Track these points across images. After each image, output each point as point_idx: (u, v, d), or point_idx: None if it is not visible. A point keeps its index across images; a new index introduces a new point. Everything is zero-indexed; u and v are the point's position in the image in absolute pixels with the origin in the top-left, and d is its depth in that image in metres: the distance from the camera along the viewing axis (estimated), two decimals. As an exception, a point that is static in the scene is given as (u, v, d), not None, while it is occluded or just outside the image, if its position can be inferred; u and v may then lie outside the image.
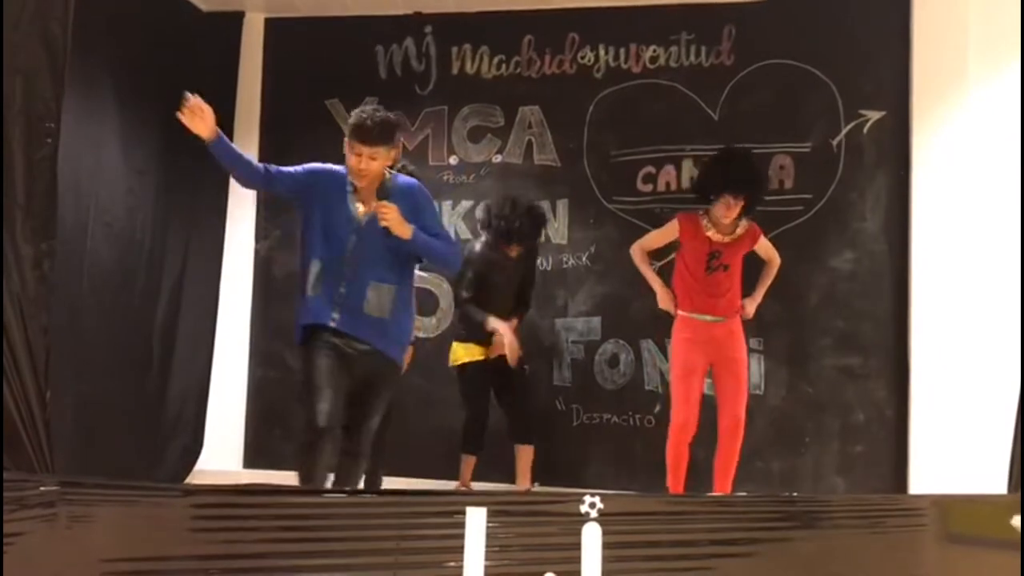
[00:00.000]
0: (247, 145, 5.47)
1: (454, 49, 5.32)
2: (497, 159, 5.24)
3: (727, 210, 4.24)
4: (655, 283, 4.43)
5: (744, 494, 4.42)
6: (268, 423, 5.40)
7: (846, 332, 4.81)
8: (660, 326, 4.70)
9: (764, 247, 4.47)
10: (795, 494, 4.08)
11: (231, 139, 5.34)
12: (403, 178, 3.46)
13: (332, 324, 3.33)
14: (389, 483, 4.44)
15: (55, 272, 2.53)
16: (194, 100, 3.15)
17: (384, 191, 3.33)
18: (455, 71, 5.33)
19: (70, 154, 2.60)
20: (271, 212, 5.45)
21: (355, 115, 3.31)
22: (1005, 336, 4.35)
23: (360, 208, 3.38)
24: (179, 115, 3.15)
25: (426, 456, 4.95)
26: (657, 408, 4.87)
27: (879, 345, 4.79)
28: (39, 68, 2.47)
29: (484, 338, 4.52)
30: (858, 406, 4.77)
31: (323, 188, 3.40)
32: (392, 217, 3.24)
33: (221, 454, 5.34)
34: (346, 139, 3.34)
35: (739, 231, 4.37)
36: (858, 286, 4.81)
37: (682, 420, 4.26)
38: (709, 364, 4.34)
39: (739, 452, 4.30)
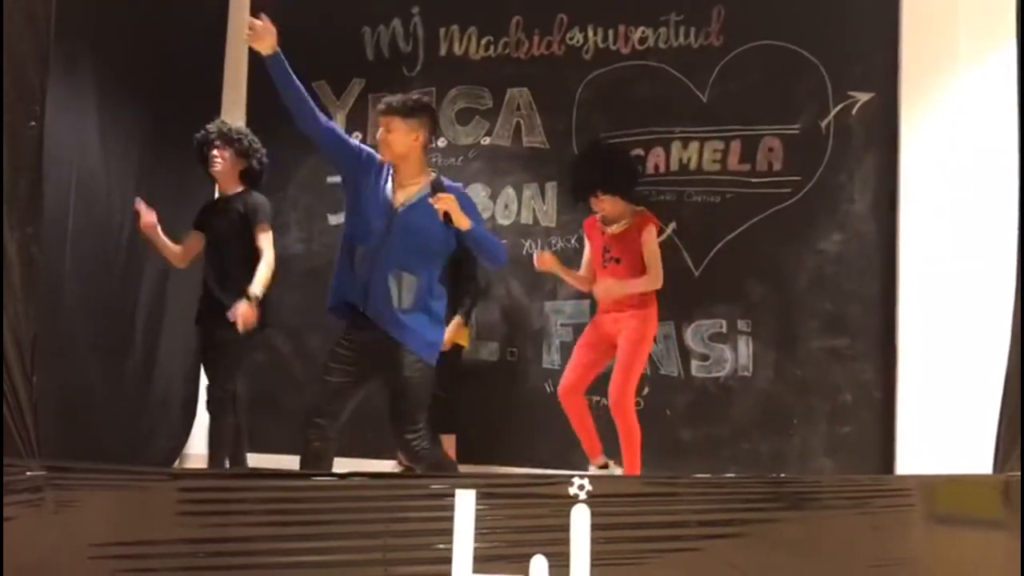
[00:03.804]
0: (233, 126, 5.43)
1: (442, 30, 5.28)
2: (485, 141, 5.21)
3: (599, 205, 4.40)
4: (568, 276, 4.61)
5: (732, 475, 4.45)
6: (257, 407, 5.37)
7: (834, 314, 4.82)
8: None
9: (649, 245, 4.38)
10: (783, 475, 4.10)
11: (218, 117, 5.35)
12: (449, 181, 3.48)
13: (361, 309, 3.37)
14: (370, 466, 4.44)
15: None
16: (262, 23, 3.20)
17: (439, 186, 3.33)
18: (443, 52, 5.29)
19: (50, 135, 2.57)
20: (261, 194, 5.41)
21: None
22: (992, 318, 4.37)
23: (396, 195, 3.40)
24: (247, 35, 3.22)
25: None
26: (646, 390, 4.87)
27: (867, 327, 4.80)
28: (23, 49, 2.44)
29: None
30: (846, 387, 4.78)
31: (365, 168, 3.43)
32: (453, 205, 3.27)
33: (209, 438, 5.33)
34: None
35: (625, 222, 4.41)
36: (846, 268, 4.81)
37: (565, 384, 4.46)
38: (611, 344, 4.41)
39: (634, 432, 4.31)
